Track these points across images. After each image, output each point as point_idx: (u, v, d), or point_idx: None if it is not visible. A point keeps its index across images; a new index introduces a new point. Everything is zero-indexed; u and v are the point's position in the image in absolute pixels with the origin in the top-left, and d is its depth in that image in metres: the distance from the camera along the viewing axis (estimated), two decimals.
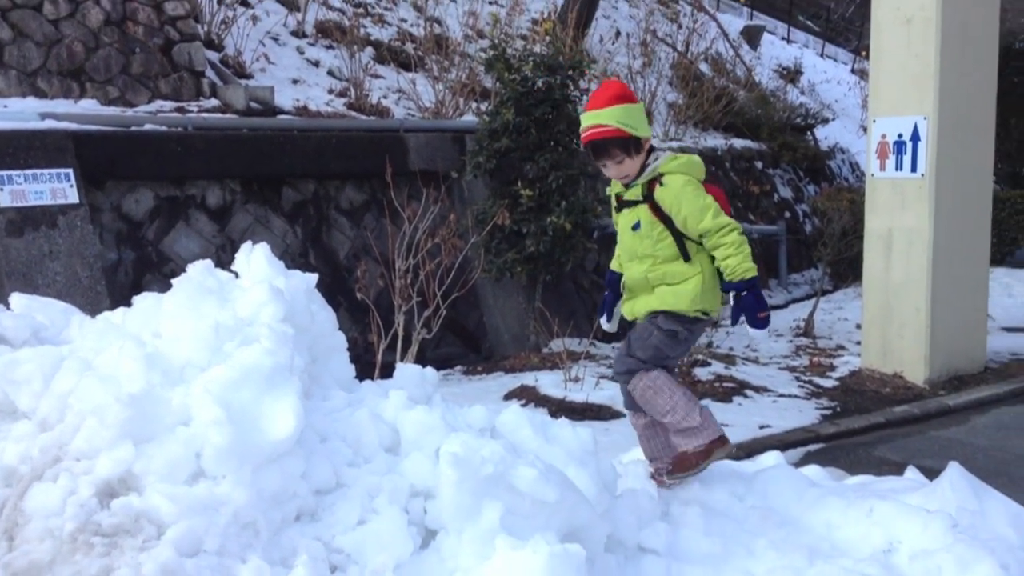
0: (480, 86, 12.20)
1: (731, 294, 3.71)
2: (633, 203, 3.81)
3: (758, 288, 3.67)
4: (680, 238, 3.74)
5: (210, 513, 2.73)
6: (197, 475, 2.84)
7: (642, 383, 3.82)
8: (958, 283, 8.69)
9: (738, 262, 3.62)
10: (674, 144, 13.83)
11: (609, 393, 7.61)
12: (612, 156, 3.73)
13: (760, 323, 3.67)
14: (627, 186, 3.83)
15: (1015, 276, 13.34)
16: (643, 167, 3.77)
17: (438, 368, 3.96)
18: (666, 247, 3.76)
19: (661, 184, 3.71)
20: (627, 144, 3.70)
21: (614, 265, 4.15)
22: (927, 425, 7.56)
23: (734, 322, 3.78)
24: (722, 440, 3.77)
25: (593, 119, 3.71)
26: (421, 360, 6.76)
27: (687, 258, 3.75)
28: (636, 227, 3.80)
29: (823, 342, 10.38)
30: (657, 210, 3.75)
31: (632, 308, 3.96)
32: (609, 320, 4.19)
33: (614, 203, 3.97)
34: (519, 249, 9.61)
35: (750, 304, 3.64)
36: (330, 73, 11.73)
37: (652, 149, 3.80)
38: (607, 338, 10.36)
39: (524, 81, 9.64)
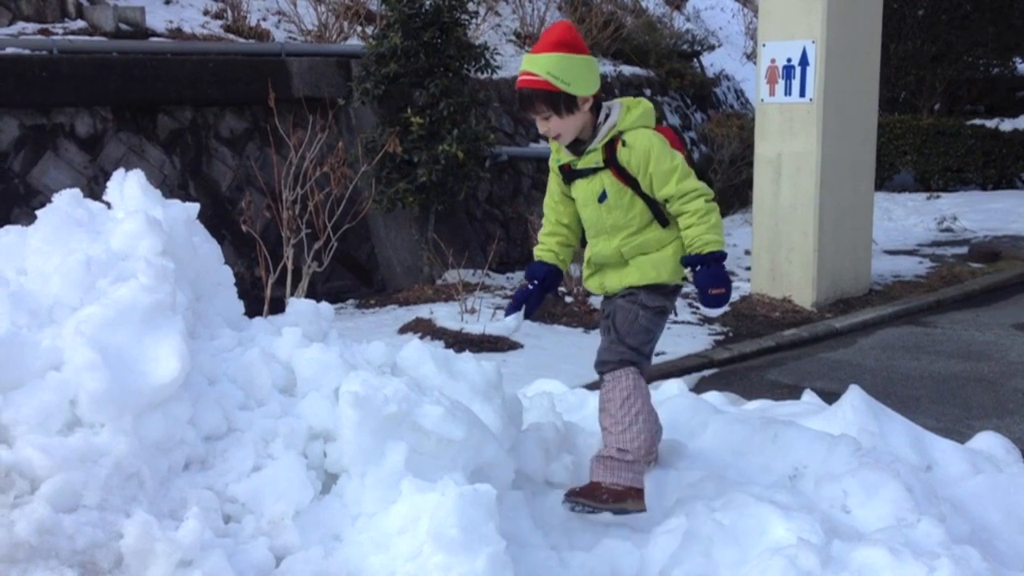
0: (365, 8, 11.78)
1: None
2: (592, 171, 3.30)
3: (718, 263, 3.21)
4: (653, 200, 3.27)
5: (88, 465, 2.51)
6: (72, 424, 2.61)
7: (623, 383, 3.27)
8: (844, 207, 8.83)
9: (699, 232, 3.18)
10: None
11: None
12: (537, 111, 3.21)
13: (712, 300, 3.24)
14: (578, 152, 3.31)
15: (894, 200, 13.72)
16: (595, 127, 3.25)
17: (330, 302, 3.72)
18: (638, 214, 3.29)
19: (624, 144, 3.22)
20: (556, 100, 3.16)
21: (543, 253, 3.54)
22: (816, 347, 7.70)
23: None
24: (639, 494, 3.24)
25: (526, 64, 3.19)
26: (312, 294, 6.52)
27: (664, 222, 3.29)
28: (603, 198, 3.30)
29: None
30: (622, 174, 3.26)
31: (602, 282, 3.47)
32: (519, 319, 3.50)
33: (559, 174, 3.44)
34: (410, 179, 9.35)
35: (703, 278, 3.21)
36: None
37: (599, 105, 3.26)
38: (502, 268, 10.26)
39: (411, 2, 9.30)
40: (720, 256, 3.23)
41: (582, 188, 3.37)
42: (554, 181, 3.51)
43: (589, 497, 3.21)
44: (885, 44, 10.42)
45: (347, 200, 7.61)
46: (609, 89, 14.30)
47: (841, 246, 8.87)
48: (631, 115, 3.25)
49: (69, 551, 2.40)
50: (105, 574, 2.43)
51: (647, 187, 3.26)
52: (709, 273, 3.21)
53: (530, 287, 3.51)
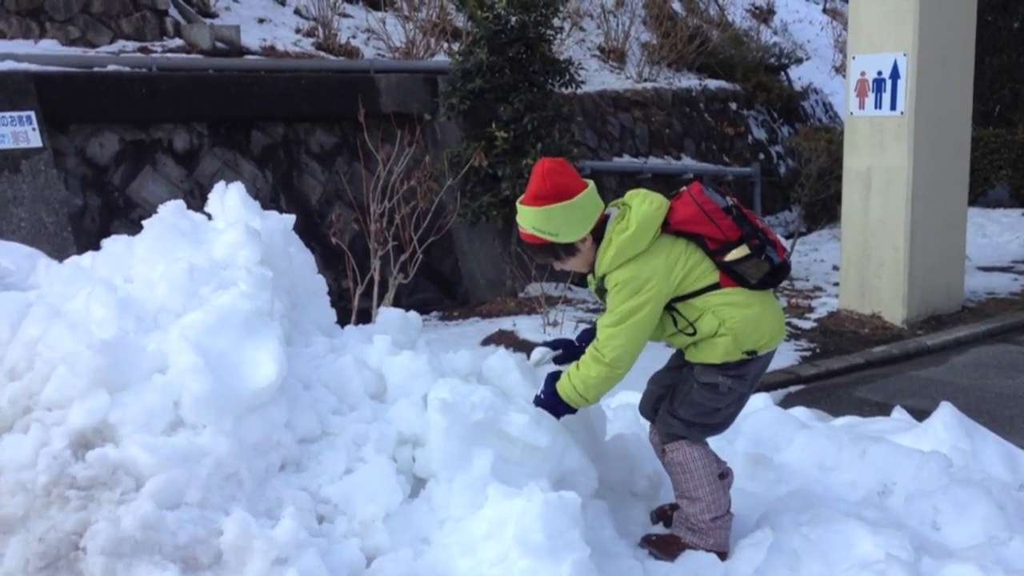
0: (451, 25, 11.93)
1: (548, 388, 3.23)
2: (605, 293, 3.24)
3: (557, 405, 3.18)
4: (672, 311, 3.17)
5: (191, 464, 2.62)
6: (176, 425, 2.72)
7: (677, 456, 3.27)
8: (936, 223, 8.65)
9: (572, 373, 3.16)
10: (648, 85, 13.65)
11: None
12: (542, 259, 3.25)
13: (538, 402, 3.22)
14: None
15: (988, 216, 13.36)
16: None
17: None
18: (669, 326, 3.21)
19: (608, 289, 3.15)
20: (551, 250, 3.15)
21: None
22: (906, 365, 7.55)
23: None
24: (723, 557, 3.24)
25: (518, 216, 3.15)
26: (397, 306, 6.59)
27: (694, 332, 3.17)
28: None
29: (800, 284, 10.35)
30: None
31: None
32: (544, 354, 3.45)
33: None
34: (494, 192, 9.45)
35: (543, 400, 3.20)
36: (297, 12, 11.41)
37: (602, 231, 3.14)
38: (584, 281, 10.27)
39: (497, 19, 9.41)
40: (561, 403, 3.17)
41: None
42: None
43: (664, 550, 3.25)
44: (979, 57, 10.18)
45: (432, 213, 7.73)
46: (694, 103, 14.24)
47: (933, 262, 8.69)
48: (607, 257, 3.11)
49: (171, 546, 2.51)
50: (205, 569, 2.53)
51: None
52: (547, 402, 3.19)
53: (576, 344, 3.49)
